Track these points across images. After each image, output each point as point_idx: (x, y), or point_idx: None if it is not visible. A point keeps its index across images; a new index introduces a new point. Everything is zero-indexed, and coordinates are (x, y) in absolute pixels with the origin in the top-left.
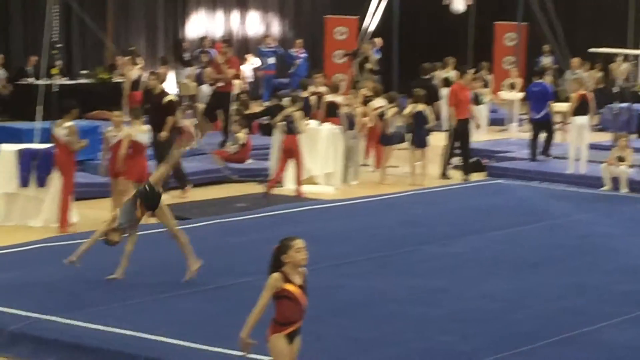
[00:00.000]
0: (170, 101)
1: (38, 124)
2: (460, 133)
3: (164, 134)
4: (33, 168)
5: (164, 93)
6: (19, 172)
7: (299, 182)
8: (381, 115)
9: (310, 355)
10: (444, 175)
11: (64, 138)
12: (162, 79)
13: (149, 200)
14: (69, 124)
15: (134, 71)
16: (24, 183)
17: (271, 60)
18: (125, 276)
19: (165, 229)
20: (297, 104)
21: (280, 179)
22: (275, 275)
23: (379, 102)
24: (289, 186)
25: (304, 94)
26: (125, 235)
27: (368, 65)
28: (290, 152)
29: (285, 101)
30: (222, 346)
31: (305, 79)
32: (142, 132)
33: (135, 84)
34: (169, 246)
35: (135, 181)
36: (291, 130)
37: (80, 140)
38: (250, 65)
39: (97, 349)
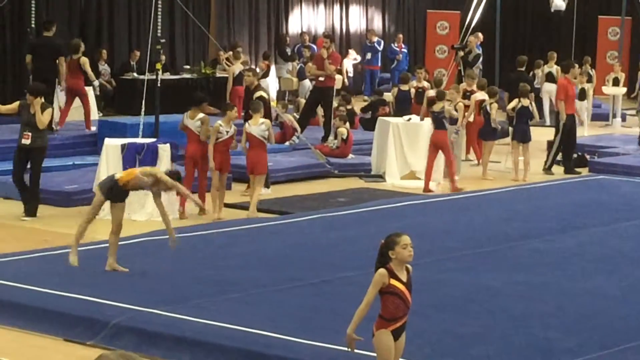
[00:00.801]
0: (260, 97)
1: (142, 119)
2: (568, 128)
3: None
4: (137, 162)
5: (257, 88)
6: (124, 166)
7: (453, 177)
8: (483, 110)
9: (413, 350)
10: (549, 169)
11: (198, 129)
12: (258, 74)
13: (112, 193)
14: (201, 115)
15: (236, 66)
16: None
17: (372, 55)
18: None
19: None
20: (444, 99)
21: (430, 174)
22: (382, 270)
23: (481, 96)
24: (391, 181)
25: (404, 88)
26: None
27: (459, 54)
28: (438, 147)
29: (388, 95)
30: (325, 341)
31: (406, 72)
32: (256, 126)
33: (238, 78)
34: (270, 241)
35: (250, 173)
36: (441, 125)
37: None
38: (352, 60)
39: (200, 342)
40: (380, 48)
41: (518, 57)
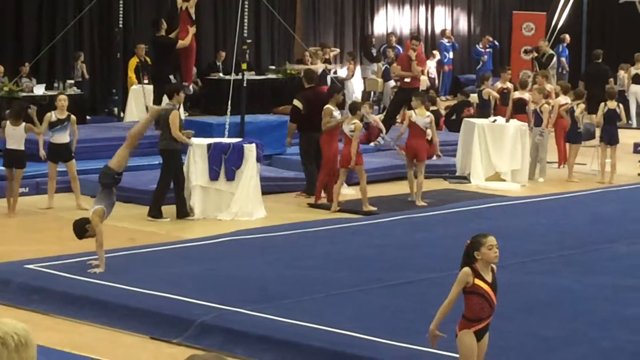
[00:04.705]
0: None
1: (228, 118)
2: None
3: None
4: (223, 162)
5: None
6: (209, 165)
7: None
8: (570, 113)
9: (497, 353)
10: None
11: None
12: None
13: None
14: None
15: (318, 65)
16: (214, 177)
17: (449, 55)
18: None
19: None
20: None
21: None
22: (466, 269)
23: (564, 100)
24: (476, 182)
25: (481, 87)
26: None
27: (533, 56)
28: None
29: (473, 97)
30: (408, 341)
31: (486, 73)
32: (422, 116)
33: (322, 77)
34: (354, 241)
35: (410, 160)
36: None
37: None
38: (435, 61)
39: (285, 341)
40: (455, 48)
41: (594, 50)
